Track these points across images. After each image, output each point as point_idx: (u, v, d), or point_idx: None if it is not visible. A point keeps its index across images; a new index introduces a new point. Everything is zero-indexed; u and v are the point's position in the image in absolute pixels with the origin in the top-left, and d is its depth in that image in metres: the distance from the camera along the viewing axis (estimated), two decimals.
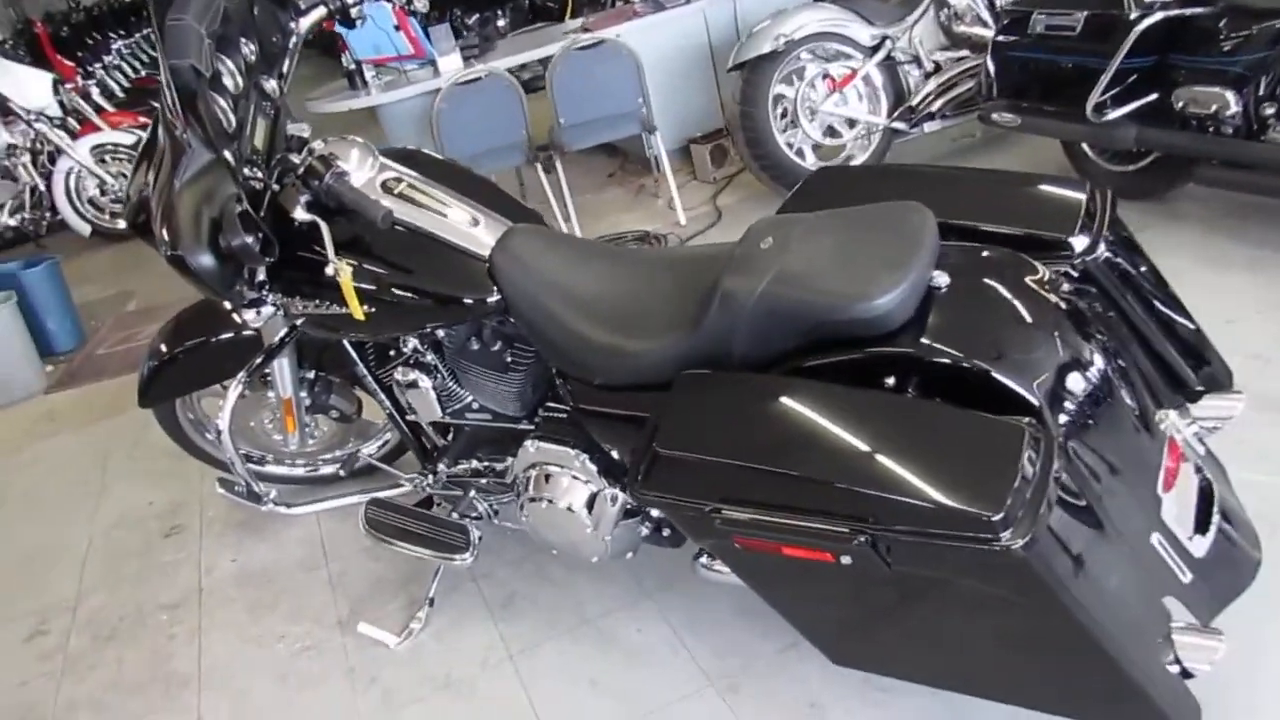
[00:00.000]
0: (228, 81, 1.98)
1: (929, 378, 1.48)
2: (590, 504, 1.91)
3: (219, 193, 1.77)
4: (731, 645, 1.96)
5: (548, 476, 1.96)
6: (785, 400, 1.48)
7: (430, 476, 2.23)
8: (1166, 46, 2.98)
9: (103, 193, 6.13)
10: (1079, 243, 1.65)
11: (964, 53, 3.99)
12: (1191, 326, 1.81)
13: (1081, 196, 1.72)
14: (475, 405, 2.14)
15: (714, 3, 4.71)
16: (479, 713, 1.98)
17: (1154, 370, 1.73)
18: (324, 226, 1.81)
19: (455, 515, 2.21)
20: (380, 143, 2.07)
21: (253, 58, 2.07)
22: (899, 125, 3.96)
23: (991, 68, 3.47)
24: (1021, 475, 1.28)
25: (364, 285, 1.87)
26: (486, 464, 2.17)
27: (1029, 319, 1.52)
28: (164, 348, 2.45)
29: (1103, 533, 1.39)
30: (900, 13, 4.01)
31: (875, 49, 3.95)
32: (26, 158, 5.90)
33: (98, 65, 8.35)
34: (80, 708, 2.26)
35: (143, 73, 9.12)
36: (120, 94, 8.21)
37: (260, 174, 1.93)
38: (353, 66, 4.53)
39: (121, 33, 10.58)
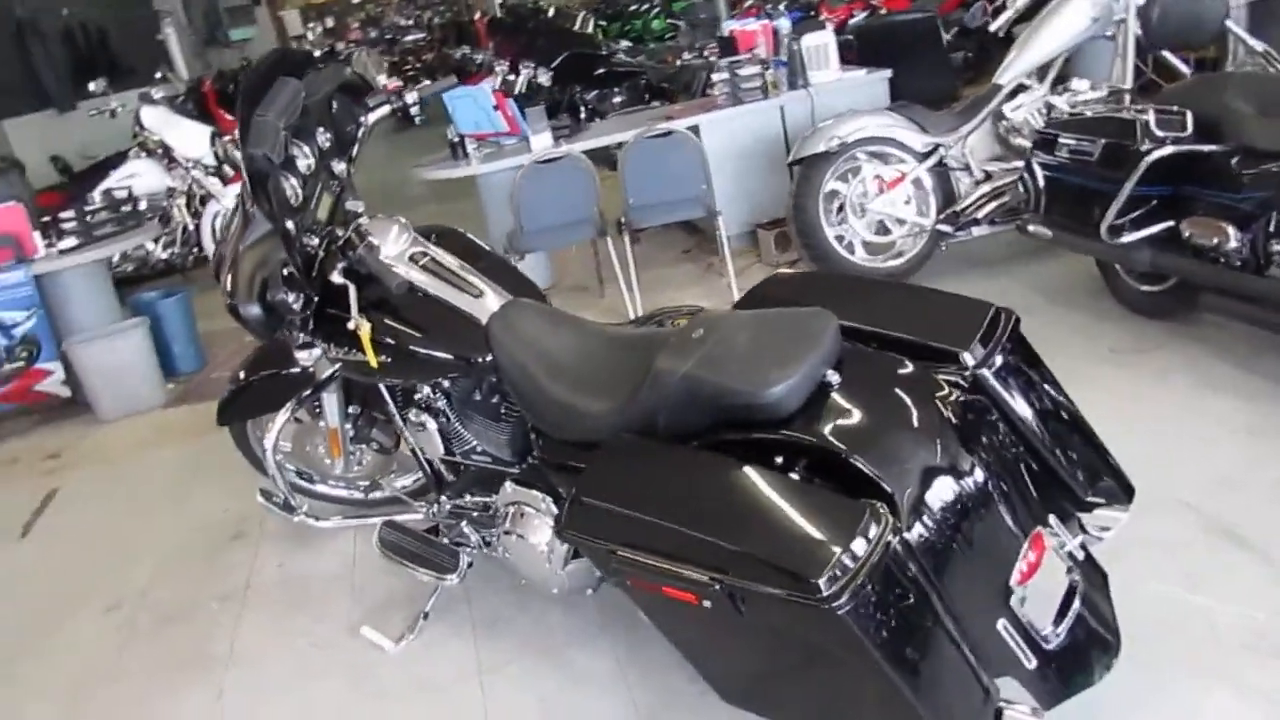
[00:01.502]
0: (301, 163, 2.42)
1: (808, 459, 1.74)
2: (550, 542, 2.22)
3: (272, 257, 2.21)
4: (664, 683, 2.22)
5: (520, 514, 2.29)
6: (679, 467, 1.77)
7: (435, 506, 2.58)
8: (1181, 178, 3.13)
9: None
10: (970, 357, 1.88)
11: (1016, 164, 4.19)
12: (1090, 443, 2.01)
13: (983, 315, 1.95)
14: (478, 449, 2.48)
15: (793, 100, 5.05)
16: (444, 714, 2.29)
17: (1044, 478, 1.93)
18: (352, 289, 2.21)
19: (451, 542, 2.55)
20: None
21: (326, 144, 2.52)
22: (944, 228, 4.18)
23: (1027, 182, 3.68)
24: (851, 546, 1.53)
25: (383, 338, 2.26)
26: (481, 500, 2.50)
27: (902, 417, 1.77)
28: (242, 375, 2.90)
29: (929, 608, 1.60)
30: (957, 122, 4.25)
31: (927, 155, 4.20)
32: (182, 200, 6.68)
33: None
34: (132, 673, 2.68)
35: None
36: None
37: (317, 241, 2.35)
38: (456, 139, 5.04)
39: None
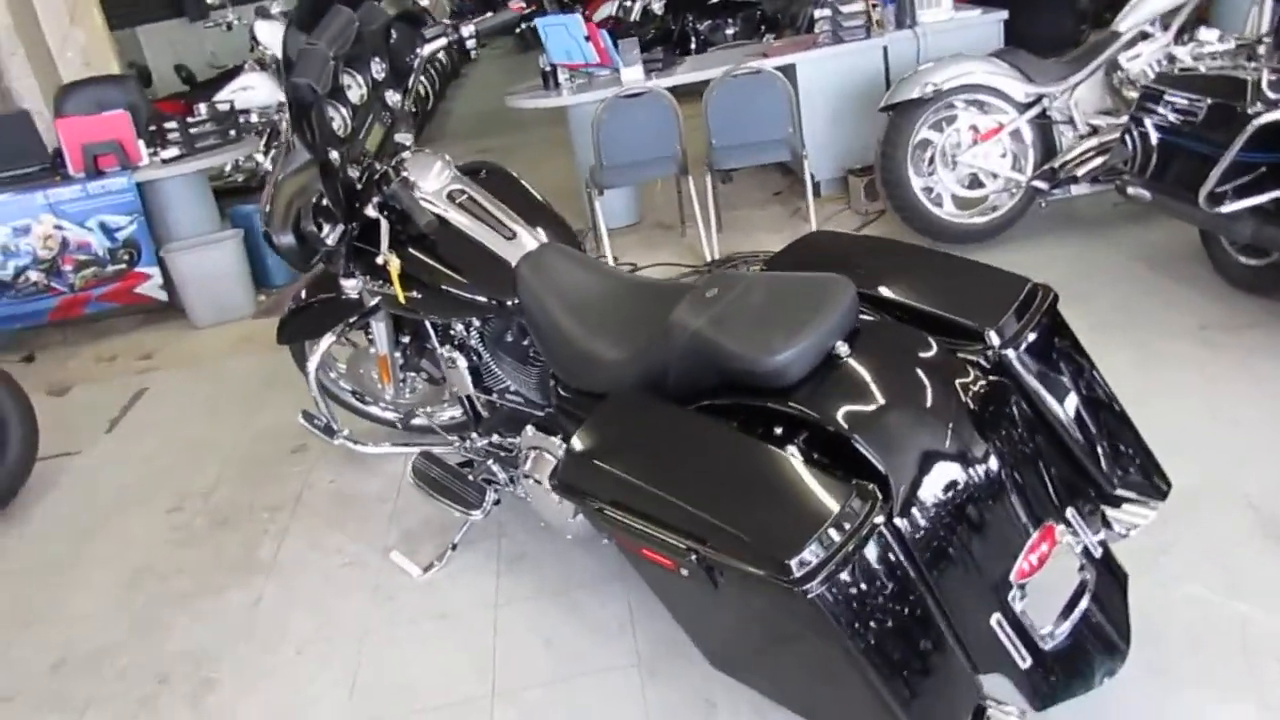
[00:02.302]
0: (353, 93, 2.42)
1: (809, 432, 1.68)
2: None
3: (310, 187, 2.22)
4: (669, 636, 2.22)
5: (539, 459, 2.30)
6: (673, 429, 1.74)
7: (468, 441, 2.61)
8: None
9: None
10: (995, 335, 1.77)
11: (1125, 119, 3.91)
12: (1125, 432, 1.88)
13: (1018, 292, 1.83)
14: (510, 389, 2.50)
15: (898, 40, 4.81)
16: (455, 643, 2.35)
17: (1067, 467, 1.82)
18: (384, 224, 2.22)
19: (481, 479, 2.58)
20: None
21: (381, 75, 2.51)
22: (1040, 184, 3.94)
23: (1130, 140, 3.42)
24: (828, 529, 1.48)
25: (414, 273, 2.27)
26: (509, 439, 2.52)
27: (910, 396, 1.69)
28: (302, 295, 2.97)
29: (913, 600, 1.54)
30: (1066, 71, 3.97)
31: (1030, 105, 3.95)
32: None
33: None
34: (182, 572, 2.84)
35: None
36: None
37: (358, 173, 2.37)
38: (548, 68, 4.98)
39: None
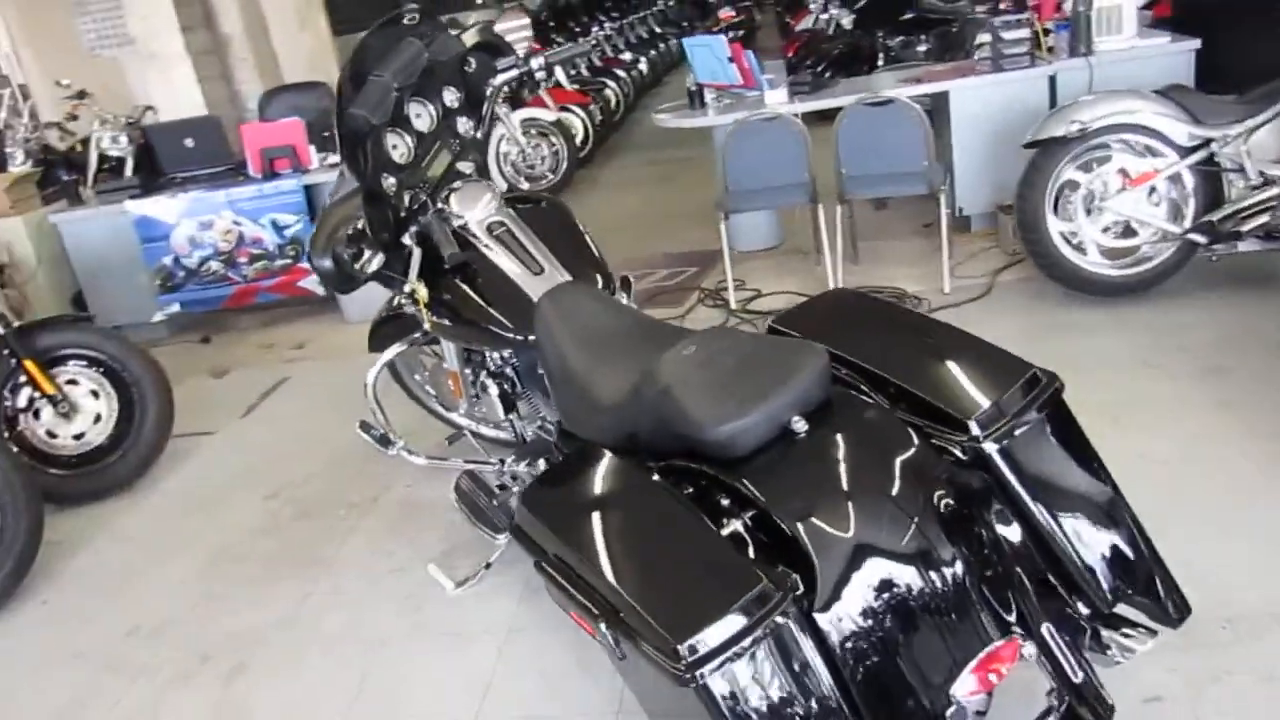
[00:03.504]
0: (421, 122, 2.52)
1: (755, 509, 1.60)
2: None
3: (353, 215, 2.34)
4: None
5: None
6: (619, 493, 1.70)
7: (503, 465, 2.66)
8: None
9: (524, 160, 7.30)
10: (975, 425, 1.62)
11: None
12: (1134, 544, 1.67)
13: (1014, 379, 1.67)
14: (548, 420, 2.52)
15: (1067, 69, 4.46)
16: (457, 663, 2.41)
17: (1053, 577, 1.64)
18: (416, 252, 2.30)
19: (511, 502, 2.62)
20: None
21: (454, 104, 2.60)
22: (1197, 237, 3.54)
23: None
24: (729, 617, 1.40)
25: (442, 300, 2.34)
26: (534, 469, 2.54)
27: (862, 483, 1.57)
28: (391, 306, 3.12)
29: (817, 700, 1.43)
30: (1243, 113, 3.55)
31: (1194, 149, 3.56)
32: None
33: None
34: (255, 558, 3.06)
35: (613, 54, 10.42)
36: (585, 72, 9.44)
37: (408, 200, 2.45)
38: (694, 88, 4.97)
39: (615, 15, 12.06)
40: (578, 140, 8.11)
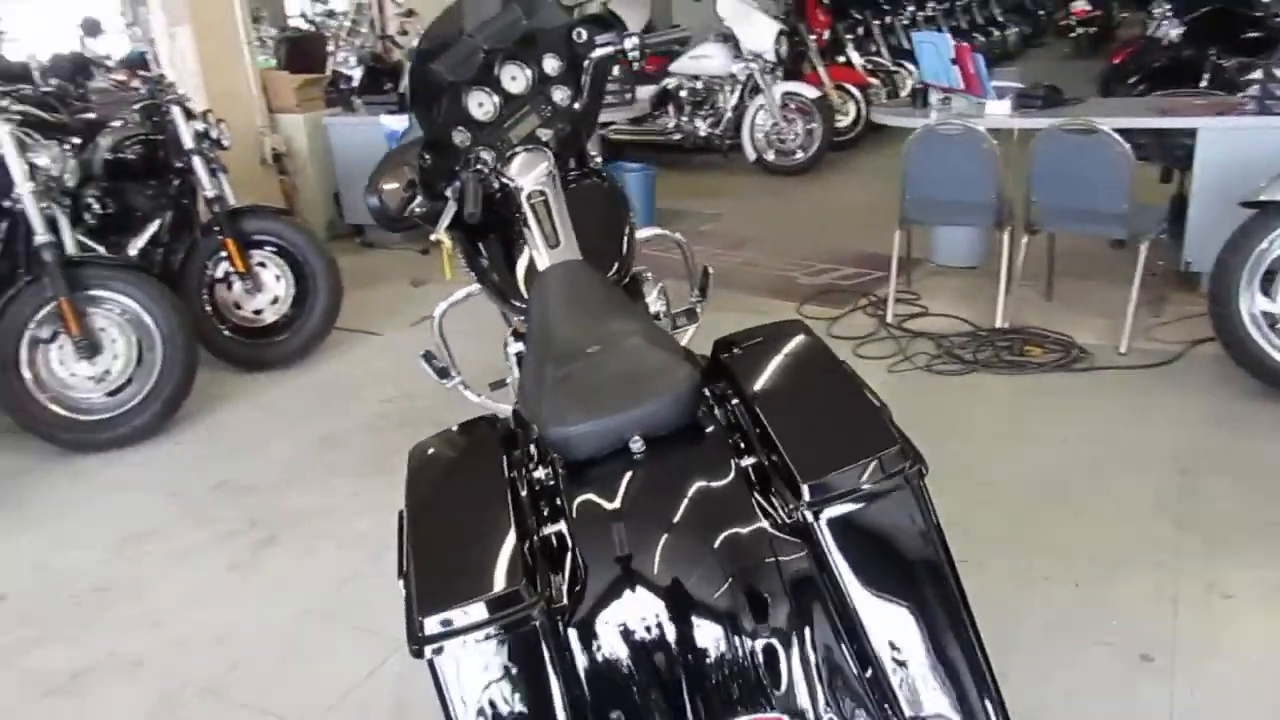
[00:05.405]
0: (512, 84, 2.64)
1: None
2: None
3: (410, 160, 2.51)
4: None
5: None
6: (454, 463, 1.78)
7: None
8: None
9: (778, 133, 7.24)
10: (807, 491, 1.51)
11: None
12: (961, 652, 1.49)
13: (870, 450, 1.53)
14: None
15: None
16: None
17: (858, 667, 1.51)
18: (450, 205, 2.44)
19: None
20: None
21: (554, 72, 2.69)
22: None
23: None
24: (472, 605, 1.45)
25: (476, 252, 2.48)
26: None
27: (659, 519, 1.54)
28: None
29: (531, 707, 1.45)
30: None
31: None
32: (734, 88, 7.22)
33: (874, 22, 9.27)
34: (344, 450, 3.41)
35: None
36: (885, 52, 9.09)
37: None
38: (919, 86, 4.71)
39: None
40: (845, 122, 7.90)
